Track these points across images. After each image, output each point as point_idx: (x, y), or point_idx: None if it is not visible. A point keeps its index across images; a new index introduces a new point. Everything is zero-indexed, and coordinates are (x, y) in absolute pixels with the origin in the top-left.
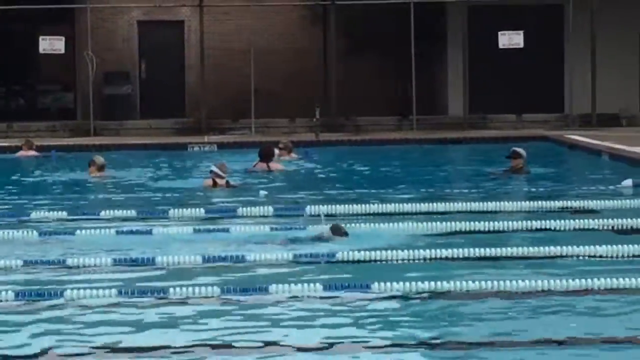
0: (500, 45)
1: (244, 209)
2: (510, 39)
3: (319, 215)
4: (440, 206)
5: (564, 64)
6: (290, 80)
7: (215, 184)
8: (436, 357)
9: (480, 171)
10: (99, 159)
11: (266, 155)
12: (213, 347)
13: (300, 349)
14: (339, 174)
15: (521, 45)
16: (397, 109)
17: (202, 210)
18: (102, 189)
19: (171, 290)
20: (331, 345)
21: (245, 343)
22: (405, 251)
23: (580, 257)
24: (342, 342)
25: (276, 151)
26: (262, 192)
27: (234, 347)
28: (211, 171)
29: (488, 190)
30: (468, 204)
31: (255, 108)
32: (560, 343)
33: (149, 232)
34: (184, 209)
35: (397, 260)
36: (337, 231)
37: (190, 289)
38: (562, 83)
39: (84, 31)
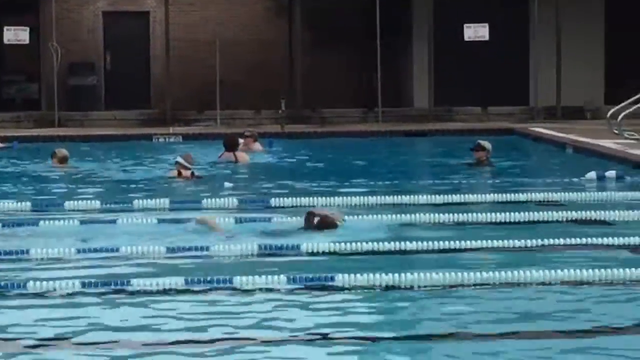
0: (466, 38)
1: (209, 200)
2: (476, 32)
3: (283, 207)
4: (405, 198)
5: (530, 56)
6: (255, 72)
7: (180, 174)
8: (401, 350)
9: (444, 163)
10: (61, 150)
11: (230, 145)
12: (174, 339)
13: (263, 342)
14: (304, 165)
15: (487, 38)
16: (362, 101)
17: (167, 201)
18: (65, 180)
19: (135, 281)
20: (293, 337)
21: (208, 335)
22: (370, 243)
23: (545, 249)
24: (304, 335)
25: (241, 140)
26: (227, 184)
27: (196, 340)
28: (176, 162)
29: (453, 183)
30: (432, 196)
31: (220, 99)
32: (525, 335)
33: (113, 223)
34: (149, 200)
35: (361, 252)
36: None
37: (154, 280)
38: (527, 76)
39: (49, 22)
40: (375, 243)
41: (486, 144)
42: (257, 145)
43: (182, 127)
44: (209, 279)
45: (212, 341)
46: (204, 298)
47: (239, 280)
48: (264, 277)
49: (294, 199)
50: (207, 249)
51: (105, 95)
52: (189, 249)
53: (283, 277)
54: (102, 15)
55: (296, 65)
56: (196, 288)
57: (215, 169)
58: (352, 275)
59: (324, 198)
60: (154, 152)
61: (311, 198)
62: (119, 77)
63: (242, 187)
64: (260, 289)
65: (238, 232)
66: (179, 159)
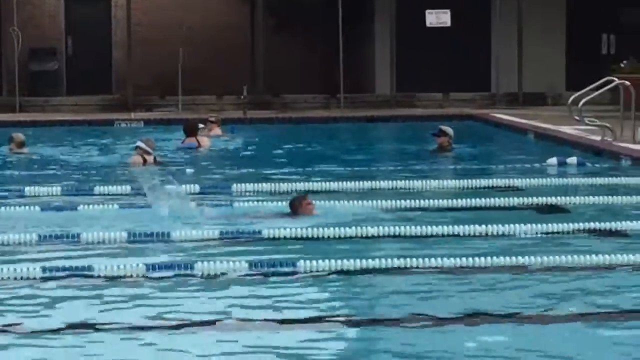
0: (428, 24)
1: (170, 186)
2: (438, 18)
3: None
4: (367, 184)
5: (491, 43)
6: (217, 57)
7: (142, 160)
8: (361, 335)
9: (406, 149)
10: (19, 135)
11: (191, 131)
12: (134, 324)
13: (220, 328)
14: (266, 151)
15: (448, 24)
16: (324, 87)
17: (128, 187)
18: (23, 166)
19: (96, 267)
20: (251, 322)
21: (168, 322)
22: (332, 229)
23: (505, 235)
24: (265, 320)
25: (201, 125)
26: (189, 170)
27: (155, 326)
28: (137, 147)
29: (415, 169)
30: (394, 182)
31: (182, 85)
32: (483, 320)
33: (74, 209)
34: (110, 186)
35: (323, 237)
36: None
37: (115, 266)
38: (488, 62)
39: (10, 6)
40: (336, 228)
41: (448, 129)
42: (219, 131)
43: (143, 112)
44: (170, 264)
45: (173, 327)
46: (164, 284)
47: (199, 266)
48: (225, 262)
49: (255, 184)
50: (168, 234)
51: (66, 80)
52: (150, 234)
53: (244, 263)
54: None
55: (258, 51)
56: (156, 274)
57: (178, 155)
58: (314, 261)
59: (285, 184)
60: (116, 138)
61: (272, 184)
62: (81, 63)
63: (205, 173)
64: (222, 274)
65: (199, 218)
66: (140, 144)
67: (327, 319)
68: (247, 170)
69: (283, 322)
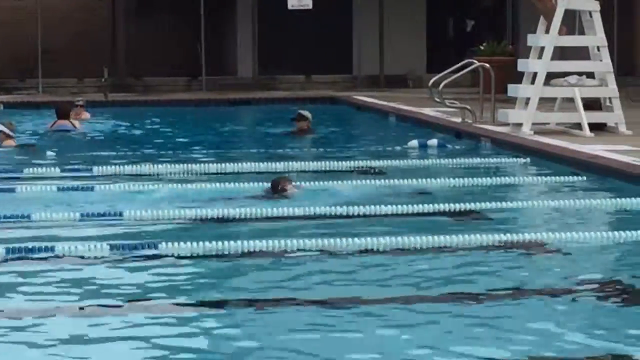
0: (289, 7)
1: (31, 169)
2: (300, 0)
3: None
4: (229, 167)
5: (353, 25)
6: (78, 39)
7: (4, 142)
8: (221, 316)
9: (268, 131)
10: None
11: (64, 113)
12: None
13: (82, 313)
14: (129, 134)
15: (310, 6)
16: (186, 69)
17: None
18: None
19: None
20: (116, 306)
21: (27, 305)
22: (193, 210)
23: (366, 217)
24: (128, 303)
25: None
26: (50, 152)
27: (14, 309)
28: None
29: (276, 151)
30: (256, 164)
31: (42, 67)
32: (343, 303)
33: None
34: None
35: (185, 220)
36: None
37: None
38: (350, 45)
39: None
40: (198, 210)
41: (306, 113)
42: (86, 114)
43: (3, 95)
44: (30, 247)
45: (31, 310)
46: (22, 268)
47: (60, 248)
48: (87, 244)
49: (117, 167)
50: (29, 217)
51: None
52: (11, 217)
53: (105, 245)
54: None
55: (119, 33)
56: (15, 255)
57: (49, 137)
58: (176, 243)
59: (147, 165)
60: None
61: (135, 166)
62: None
63: (72, 156)
64: (82, 257)
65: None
66: (1, 127)
67: (183, 302)
68: (113, 153)
69: (144, 305)
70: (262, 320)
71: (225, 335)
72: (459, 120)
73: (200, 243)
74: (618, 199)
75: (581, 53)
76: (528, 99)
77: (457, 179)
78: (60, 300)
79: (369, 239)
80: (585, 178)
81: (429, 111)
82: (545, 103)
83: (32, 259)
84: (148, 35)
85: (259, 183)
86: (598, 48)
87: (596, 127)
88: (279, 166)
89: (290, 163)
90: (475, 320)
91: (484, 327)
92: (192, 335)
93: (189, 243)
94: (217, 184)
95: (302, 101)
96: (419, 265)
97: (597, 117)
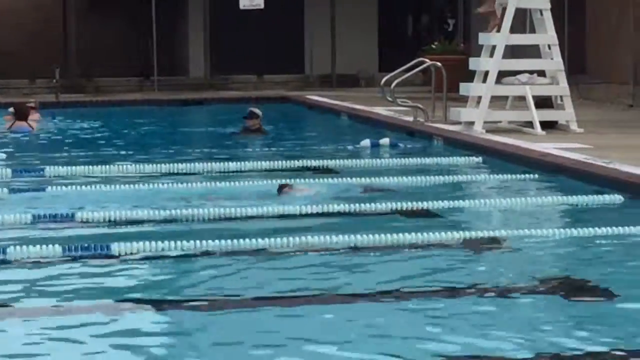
0: (241, 7)
1: None
2: (252, 0)
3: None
4: (181, 167)
5: (304, 25)
6: (29, 39)
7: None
8: (170, 317)
9: (220, 131)
10: None
11: (24, 114)
12: None
13: (36, 312)
14: (80, 135)
15: (262, 6)
16: (138, 69)
17: None
18: None
19: None
20: (67, 309)
21: None
22: (146, 211)
23: (317, 216)
24: (82, 304)
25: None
26: (1, 154)
27: None
28: None
29: (228, 151)
30: (208, 164)
31: None
32: (293, 303)
33: None
34: None
35: (138, 221)
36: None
37: None
38: (302, 44)
39: None
40: (150, 211)
41: (257, 110)
42: (37, 115)
43: None
44: None
45: None
46: None
47: (12, 251)
48: (38, 246)
49: (69, 168)
50: None
51: None
52: None
53: (58, 247)
54: None
55: (71, 33)
56: None
57: (8, 138)
58: (128, 244)
59: (98, 167)
60: None
61: (87, 167)
62: None
63: (25, 157)
64: (34, 259)
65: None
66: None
67: (142, 300)
68: (64, 154)
69: (95, 306)
70: (206, 320)
71: (165, 334)
72: (411, 119)
73: (153, 243)
74: (569, 196)
75: (531, 51)
76: (480, 97)
77: (409, 177)
78: (12, 302)
79: (322, 237)
80: (536, 176)
81: (381, 110)
82: (497, 101)
83: None
84: (100, 36)
85: (212, 182)
86: (549, 46)
87: (547, 125)
88: (232, 166)
89: (244, 163)
90: (426, 318)
91: (435, 325)
92: (132, 334)
93: (141, 243)
94: (170, 184)
95: (254, 101)
96: (370, 264)
97: (549, 115)
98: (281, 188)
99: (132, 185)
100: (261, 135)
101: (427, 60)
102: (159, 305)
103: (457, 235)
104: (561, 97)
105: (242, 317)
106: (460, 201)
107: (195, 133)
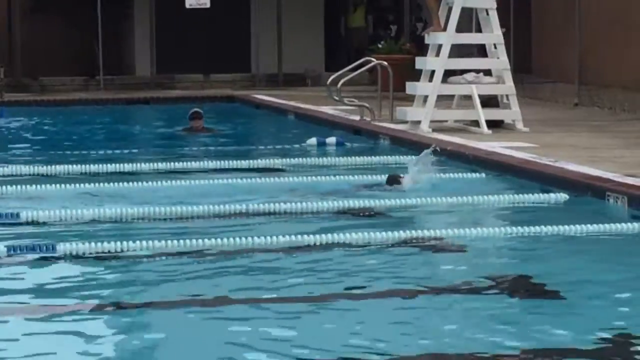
0: (187, 5)
1: None
2: None
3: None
4: (127, 167)
5: (251, 24)
6: None
7: None
8: (120, 319)
9: (165, 131)
10: None
11: None
12: None
13: None
14: (25, 135)
15: (208, 5)
16: (84, 69)
17: None
18: None
19: None
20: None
21: None
22: (91, 210)
23: (263, 215)
24: (27, 305)
25: None
26: None
27: None
28: None
29: (175, 151)
30: (155, 164)
31: None
32: (236, 303)
33: None
34: None
35: (83, 221)
36: (394, 181)
37: None
38: (249, 43)
39: None
40: (95, 210)
41: (201, 111)
42: None
43: None
44: None
45: None
46: None
47: None
48: None
49: (14, 167)
50: None
51: None
52: None
53: (2, 247)
54: None
55: (15, 32)
56: None
57: None
58: (74, 244)
59: (44, 167)
60: None
61: (31, 166)
62: None
63: None
64: None
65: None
66: None
67: (86, 302)
68: (9, 153)
69: (42, 306)
70: (156, 320)
71: (116, 335)
72: (357, 118)
73: (99, 243)
74: (515, 194)
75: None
76: (426, 96)
77: (355, 176)
78: None
79: (268, 237)
80: (483, 175)
81: (327, 109)
82: (444, 101)
83: None
84: (45, 35)
85: (160, 182)
86: (495, 45)
87: (494, 125)
88: (178, 165)
89: (190, 163)
90: (375, 318)
91: (384, 325)
92: (90, 336)
93: (87, 244)
94: (114, 184)
95: (200, 100)
96: (316, 263)
97: (495, 114)
98: (392, 180)
99: (77, 185)
100: (208, 134)
101: (373, 59)
102: (116, 306)
103: (404, 235)
104: (507, 96)
105: (203, 317)
106: (406, 200)
107: (141, 132)
